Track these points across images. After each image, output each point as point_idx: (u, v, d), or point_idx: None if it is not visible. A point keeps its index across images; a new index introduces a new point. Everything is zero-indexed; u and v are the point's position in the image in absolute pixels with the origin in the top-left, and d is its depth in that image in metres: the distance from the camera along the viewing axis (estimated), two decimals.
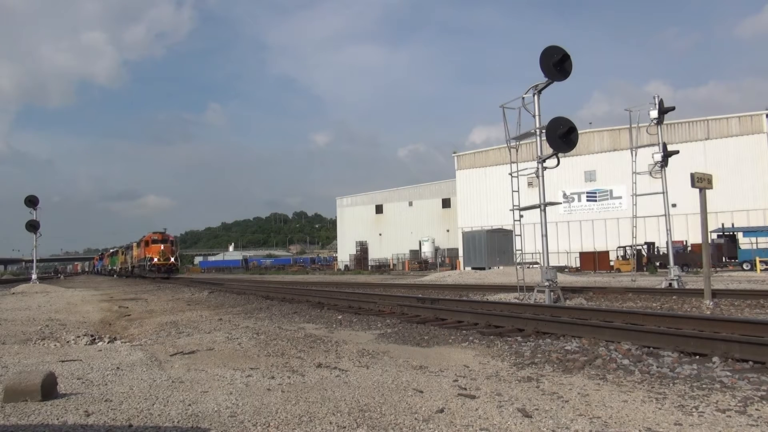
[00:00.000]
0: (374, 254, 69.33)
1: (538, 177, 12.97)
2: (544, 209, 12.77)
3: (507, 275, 26.08)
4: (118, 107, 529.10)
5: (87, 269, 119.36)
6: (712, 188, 13.27)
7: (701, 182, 12.86)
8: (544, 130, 12.50)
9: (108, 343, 8.46)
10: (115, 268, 66.95)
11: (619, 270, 37.34)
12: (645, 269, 35.22)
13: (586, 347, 6.08)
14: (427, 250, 63.43)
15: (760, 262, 30.18)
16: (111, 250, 78.70)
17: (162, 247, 44.62)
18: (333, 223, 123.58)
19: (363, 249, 69.50)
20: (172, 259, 45.26)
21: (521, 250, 14.30)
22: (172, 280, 40.06)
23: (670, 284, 16.98)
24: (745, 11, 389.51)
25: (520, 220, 13.37)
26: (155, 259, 43.85)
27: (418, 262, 60.43)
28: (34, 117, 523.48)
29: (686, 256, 33.95)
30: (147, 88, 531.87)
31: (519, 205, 13.30)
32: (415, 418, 3.56)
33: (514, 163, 13.54)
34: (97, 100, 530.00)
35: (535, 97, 12.76)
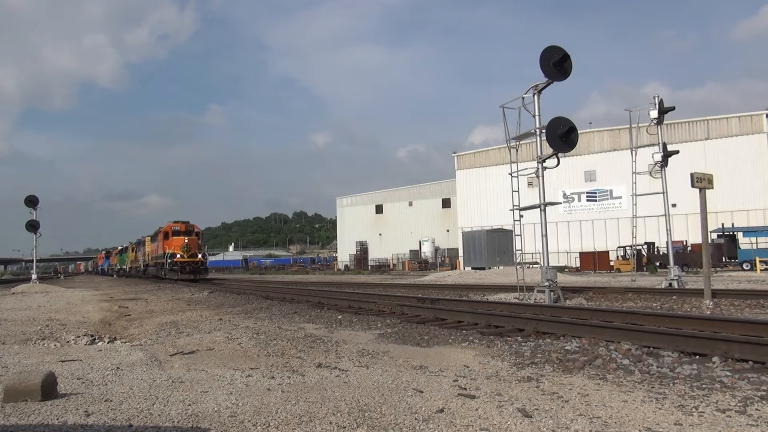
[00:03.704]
0: (374, 254, 69.28)
1: (538, 177, 12.97)
2: (544, 209, 12.77)
3: (507, 275, 26.07)
4: (120, 108, 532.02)
5: (90, 269, 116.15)
6: (712, 188, 13.27)
7: (701, 182, 12.86)
8: (544, 130, 12.50)
9: (108, 343, 8.45)
10: (124, 267, 58.31)
11: (619, 270, 37.31)
12: (645, 269, 35.21)
13: (586, 347, 6.08)
14: (427, 250, 63.39)
15: (760, 262, 30.17)
16: (119, 248, 68.94)
17: (186, 240, 35.67)
18: (333, 223, 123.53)
19: (363, 249, 69.44)
20: (200, 256, 36.22)
21: (521, 250, 14.30)
22: (171, 280, 33.93)
23: (670, 284, 16.98)
24: (742, 13, 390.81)
25: (520, 220, 13.37)
26: (178, 256, 35.05)
27: (418, 262, 60.38)
28: (37, 118, 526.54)
29: (686, 256, 33.93)
30: (148, 89, 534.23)
31: (519, 205, 13.29)
32: (415, 418, 3.56)
33: (514, 163, 13.53)
34: (98, 101, 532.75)
35: (535, 97, 12.76)
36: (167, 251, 35.79)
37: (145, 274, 44.80)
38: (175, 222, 38.22)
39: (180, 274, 34.30)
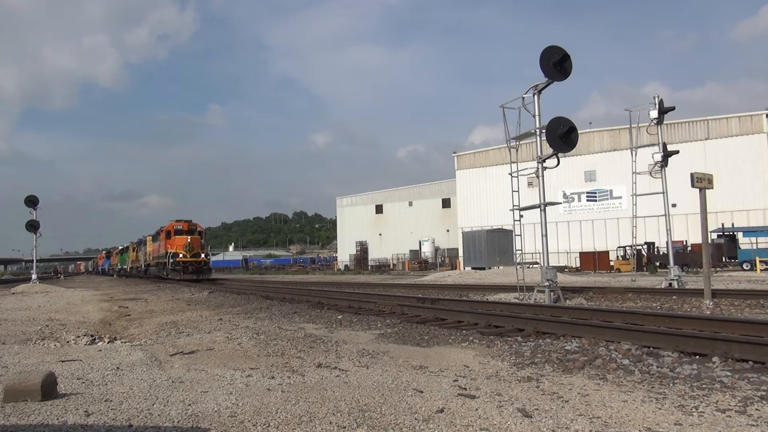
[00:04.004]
0: (374, 254, 69.29)
1: (538, 177, 12.97)
2: (544, 209, 12.77)
3: (507, 275, 26.07)
4: (120, 108, 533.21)
5: (90, 269, 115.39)
6: (712, 188, 13.27)
7: (701, 182, 12.86)
8: (544, 130, 12.50)
9: (108, 343, 8.45)
10: (125, 267, 57.49)
11: (619, 270, 37.31)
12: (645, 269, 35.20)
13: (586, 347, 6.08)
14: (427, 250, 63.39)
15: (760, 262, 30.16)
16: (120, 247, 67.86)
17: (188, 240, 34.96)
18: (333, 223, 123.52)
19: (363, 249, 69.45)
20: (203, 255, 35.56)
21: (521, 250, 14.30)
22: (172, 280, 33.12)
23: (670, 284, 16.98)
24: (741, 14, 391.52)
25: (520, 220, 13.37)
26: (180, 255, 34.19)
27: (418, 262, 60.38)
28: (37, 118, 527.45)
29: (686, 256, 33.93)
30: (148, 89, 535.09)
31: (519, 205, 13.30)
32: (415, 418, 3.56)
33: (514, 163, 13.53)
34: (99, 101, 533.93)
35: (535, 97, 12.76)
36: (170, 251, 34.89)
37: (146, 274, 43.61)
38: (177, 221, 37.15)
39: (183, 274, 33.43)
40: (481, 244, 33.50)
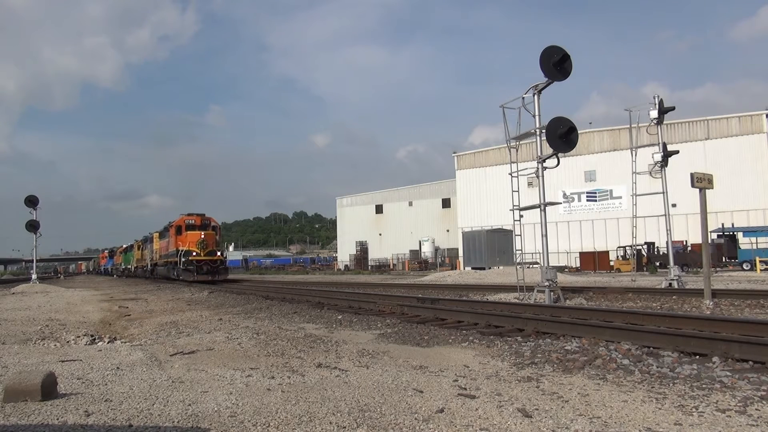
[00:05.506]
0: (374, 254, 69.28)
1: (538, 177, 12.97)
2: (544, 209, 12.77)
3: (507, 275, 26.07)
4: (121, 109, 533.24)
5: (91, 269, 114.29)
6: (712, 188, 13.27)
7: (701, 182, 12.86)
8: (544, 130, 12.50)
9: (108, 343, 8.45)
10: (129, 266, 53.46)
11: (619, 270, 37.30)
12: (645, 269, 35.19)
13: (586, 347, 6.08)
14: (427, 250, 63.40)
15: (760, 262, 30.15)
16: (124, 246, 63.21)
17: (202, 236, 30.79)
18: (333, 223, 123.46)
19: (363, 249, 69.42)
20: (219, 254, 31.59)
21: (521, 250, 14.30)
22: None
23: (670, 284, 16.98)
24: (740, 14, 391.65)
25: (520, 220, 13.37)
26: (194, 254, 30.07)
27: (418, 262, 60.38)
28: (38, 119, 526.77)
29: (686, 256, 33.91)
30: (149, 89, 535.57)
31: (519, 205, 13.30)
32: (415, 418, 3.56)
33: (514, 163, 13.53)
34: (99, 102, 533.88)
35: (535, 97, 12.76)
36: (181, 248, 30.80)
37: (153, 274, 40.00)
38: (188, 215, 32.82)
39: (196, 275, 29.49)
40: (481, 244, 33.48)
